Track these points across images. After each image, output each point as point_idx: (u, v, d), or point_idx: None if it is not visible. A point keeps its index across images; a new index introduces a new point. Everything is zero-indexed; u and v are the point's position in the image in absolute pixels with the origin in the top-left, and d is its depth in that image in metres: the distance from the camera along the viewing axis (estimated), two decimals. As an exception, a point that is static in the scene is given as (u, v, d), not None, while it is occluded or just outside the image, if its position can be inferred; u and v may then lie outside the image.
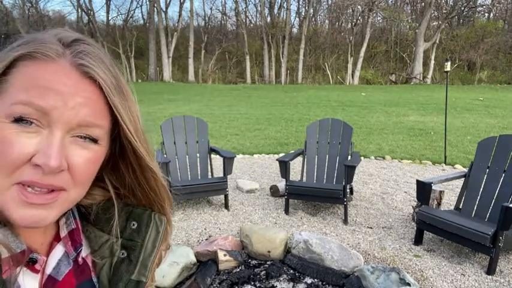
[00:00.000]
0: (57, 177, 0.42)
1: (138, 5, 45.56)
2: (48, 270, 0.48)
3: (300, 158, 4.74)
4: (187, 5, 59.02)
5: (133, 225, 0.55)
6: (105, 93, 0.44)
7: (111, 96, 0.45)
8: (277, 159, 4.25)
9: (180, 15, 32.75)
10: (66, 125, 0.42)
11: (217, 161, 5.35)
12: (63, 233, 0.51)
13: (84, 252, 0.53)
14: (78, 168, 0.43)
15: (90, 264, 0.53)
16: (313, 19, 35.42)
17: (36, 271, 0.46)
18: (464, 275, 2.87)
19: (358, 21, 31.61)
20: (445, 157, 6.45)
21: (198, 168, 4.57)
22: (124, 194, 0.56)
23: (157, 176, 0.53)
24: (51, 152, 0.40)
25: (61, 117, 0.41)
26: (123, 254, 0.54)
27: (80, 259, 0.52)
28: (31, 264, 0.46)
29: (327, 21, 36.37)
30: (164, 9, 31.55)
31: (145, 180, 0.53)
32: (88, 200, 0.54)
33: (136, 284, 0.53)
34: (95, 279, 0.53)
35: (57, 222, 0.51)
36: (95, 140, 0.45)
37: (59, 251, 0.50)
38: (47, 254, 0.49)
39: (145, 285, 0.54)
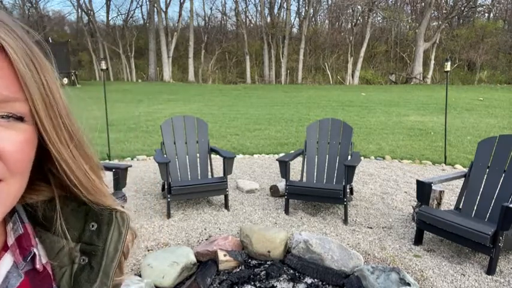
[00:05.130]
0: None
1: (138, 5, 45.55)
2: None
3: (300, 158, 4.74)
4: (187, 5, 58.94)
5: (93, 226, 0.49)
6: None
7: (18, 63, 0.37)
8: (277, 159, 4.25)
9: (180, 15, 32.75)
10: None
11: (217, 161, 5.35)
12: (11, 240, 0.45)
13: (44, 258, 0.47)
14: (9, 154, 0.37)
15: (50, 272, 0.47)
16: (313, 19, 35.42)
17: None
18: (464, 275, 2.87)
19: (358, 21, 31.61)
20: (445, 157, 6.45)
21: (198, 168, 4.57)
22: (73, 191, 0.48)
23: (75, 169, 0.44)
24: None
25: None
26: (83, 260, 0.48)
27: (38, 266, 0.45)
28: None
29: (327, 21, 36.38)
30: (164, 9, 31.55)
31: (64, 173, 0.45)
32: (34, 197, 0.48)
33: None
34: None
35: (5, 227, 0.45)
36: (20, 118, 0.38)
37: (7, 261, 0.44)
38: None
39: None
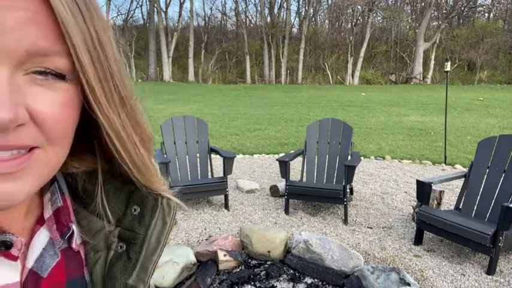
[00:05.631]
0: (18, 134, 0.30)
1: (138, 5, 45.54)
2: (30, 263, 0.37)
3: (300, 158, 4.74)
4: (187, 5, 59.09)
5: (135, 210, 0.43)
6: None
7: (58, 6, 0.30)
8: (277, 159, 4.25)
9: (180, 15, 32.75)
10: (10, 57, 0.29)
11: (217, 161, 5.35)
12: (48, 213, 0.40)
13: (78, 239, 0.42)
14: (46, 118, 0.31)
15: (83, 257, 0.42)
16: (313, 19, 35.43)
17: (13, 258, 0.35)
18: (464, 275, 2.87)
19: (358, 21, 31.61)
20: (445, 157, 6.45)
21: (198, 168, 4.57)
22: (119, 167, 0.41)
23: (125, 141, 0.38)
24: None
25: None
26: (120, 247, 0.43)
27: (74, 245, 0.41)
28: (4, 249, 0.35)
29: (327, 21, 36.41)
30: (164, 9, 31.55)
31: (112, 145, 0.38)
32: (76, 165, 0.42)
33: None
34: (87, 277, 0.42)
35: (42, 198, 0.40)
36: (60, 76, 0.32)
37: (43, 237, 0.39)
38: (28, 242, 0.38)
39: None
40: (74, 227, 0.41)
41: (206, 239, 3.43)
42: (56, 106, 0.32)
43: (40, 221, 0.40)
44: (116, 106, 0.36)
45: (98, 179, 0.42)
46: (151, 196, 0.44)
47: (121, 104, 0.37)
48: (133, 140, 0.39)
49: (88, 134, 0.40)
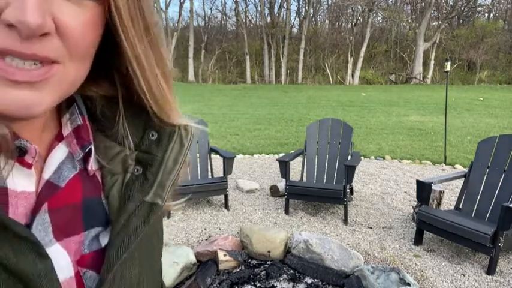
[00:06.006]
0: (42, 44, 0.30)
1: (138, 5, 45.47)
2: (46, 175, 0.37)
3: (300, 158, 4.74)
4: (187, 5, 59.05)
5: (153, 136, 0.44)
6: None
7: None
8: (277, 159, 4.25)
9: (180, 15, 32.75)
10: None
11: (217, 161, 5.35)
12: (67, 130, 0.40)
13: (95, 165, 0.42)
14: (71, 32, 0.31)
15: (100, 181, 0.43)
16: (313, 19, 35.43)
17: (27, 165, 0.35)
18: (464, 275, 2.87)
19: (358, 21, 31.61)
20: (445, 157, 6.45)
21: (198, 168, 4.57)
22: (139, 96, 0.41)
23: (147, 70, 0.38)
24: (27, 4, 0.28)
25: None
26: (137, 170, 0.43)
27: (89, 167, 0.41)
28: (18, 155, 0.34)
29: (327, 21, 36.40)
30: (164, 9, 31.56)
31: (134, 73, 0.38)
32: (94, 89, 0.42)
33: (150, 207, 0.42)
34: (103, 200, 0.42)
35: (59, 120, 0.41)
36: None
37: (61, 151, 0.39)
38: (46, 157, 0.38)
39: (160, 208, 0.43)
40: (92, 147, 0.41)
41: (206, 239, 3.43)
42: (82, 22, 0.32)
43: (58, 138, 0.40)
44: (141, 31, 0.36)
45: (117, 104, 0.43)
46: (169, 124, 0.44)
47: (145, 30, 0.37)
48: (155, 71, 0.39)
49: (108, 63, 0.40)
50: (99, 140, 0.43)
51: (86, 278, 0.38)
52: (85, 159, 0.41)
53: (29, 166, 0.35)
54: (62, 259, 0.37)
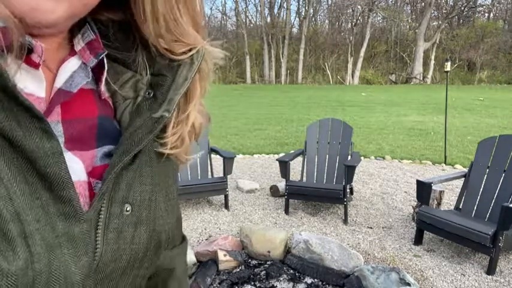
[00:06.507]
0: None
1: (138, 5, 45.46)
2: (58, 83, 0.37)
3: (300, 158, 4.74)
4: (187, 5, 58.85)
5: (164, 59, 0.44)
6: None
7: None
8: (277, 159, 4.25)
9: (180, 15, 32.75)
10: None
11: (217, 161, 5.35)
12: (79, 46, 0.40)
13: (107, 92, 0.43)
14: None
15: (112, 106, 0.43)
16: (313, 19, 35.45)
17: (34, 65, 0.34)
18: (464, 275, 2.87)
19: (358, 21, 31.63)
20: (445, 157, 6.45)
21: (198, 168, 4.57)
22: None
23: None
24: None
25: None
26: (148, 93, 0.43)
27: (103, 89, 0.42)
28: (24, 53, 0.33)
29: (327, 21, 36.42)
30: (164, 9, 31.57)
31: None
32: (106, 13, 0.43)
33: (157, 120, 0.42)
34: (115, 123, 0.43)
35: (73, 44, 0.41)
36: None
37: (73, 63, 0.39)
38: (58, 69, 0.38)
39: (166, 120, 0.43)
40: (105, 59, 0.41)
41: (206, 239, 3.44)
42: None
43: (71, 53, 0.40)
44: None
45: (130, 29, 0.43)
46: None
47: None
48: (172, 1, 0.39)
49: None
50: (110, 66, 0.43)
51: (97, 188, 0.38)
52: (97, 81, 0.42)
53: (36, 66, 0.34)
54: (74, 164, 0.36)
